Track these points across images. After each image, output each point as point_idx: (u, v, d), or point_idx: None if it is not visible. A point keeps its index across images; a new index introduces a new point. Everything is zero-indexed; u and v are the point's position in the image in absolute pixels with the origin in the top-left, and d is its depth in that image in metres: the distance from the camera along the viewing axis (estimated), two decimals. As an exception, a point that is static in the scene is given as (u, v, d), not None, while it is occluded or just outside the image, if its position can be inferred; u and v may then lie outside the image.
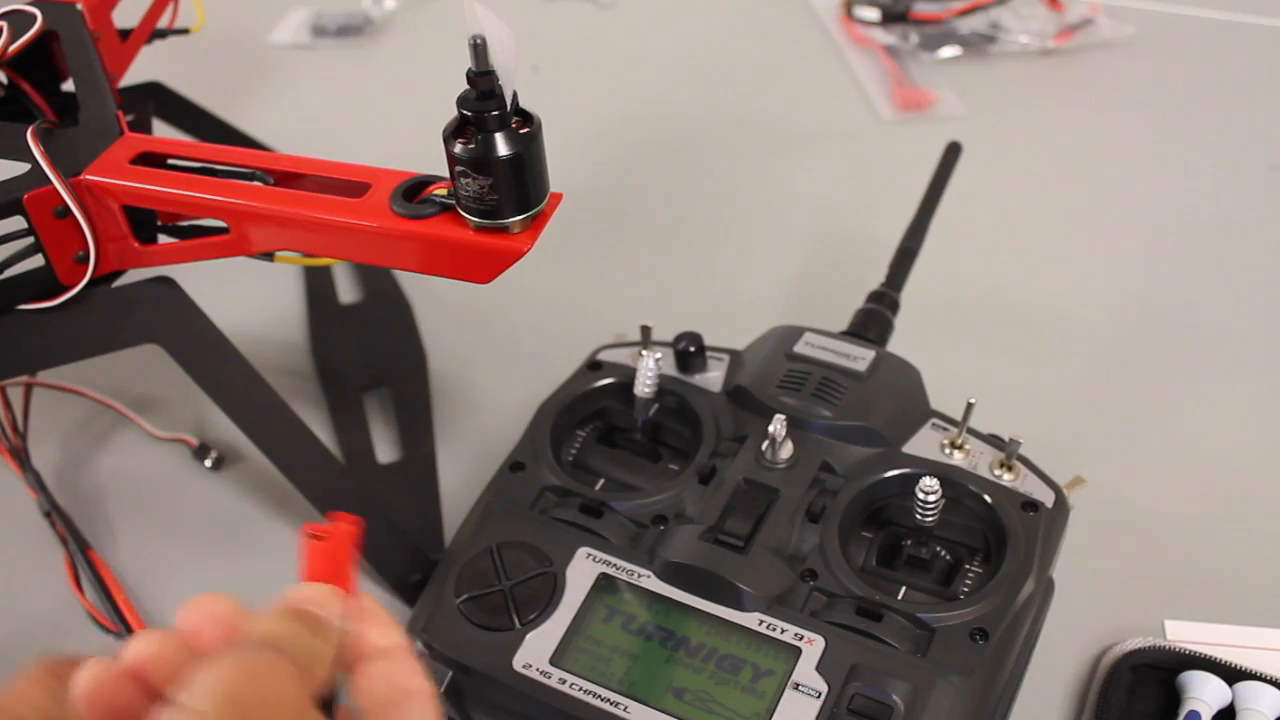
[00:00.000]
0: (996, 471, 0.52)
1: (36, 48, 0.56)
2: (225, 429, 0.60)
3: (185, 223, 0.51)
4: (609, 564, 0.50)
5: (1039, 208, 0.82)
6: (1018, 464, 0.52)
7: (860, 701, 0.44)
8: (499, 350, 0.72)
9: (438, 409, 0.68)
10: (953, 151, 0.67)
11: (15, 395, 0.63)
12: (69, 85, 0.57)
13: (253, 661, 0.30)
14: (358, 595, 0.36)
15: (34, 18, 0.56)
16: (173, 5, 0.66)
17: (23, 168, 0.47)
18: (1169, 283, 0.75)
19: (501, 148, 0.40)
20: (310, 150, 0.51)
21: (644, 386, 0.55)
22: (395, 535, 0.57)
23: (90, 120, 0.51)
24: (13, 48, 0.54)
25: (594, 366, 0.58)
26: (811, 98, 0.95)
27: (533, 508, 0.52)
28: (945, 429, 0.54)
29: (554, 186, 0.43)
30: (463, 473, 0.63)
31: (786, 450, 0.52)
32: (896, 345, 0.59)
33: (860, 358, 0.55)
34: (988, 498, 0.51)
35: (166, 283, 0.51)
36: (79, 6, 0.57)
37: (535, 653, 0.47)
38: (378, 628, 0.35)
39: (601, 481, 0.55)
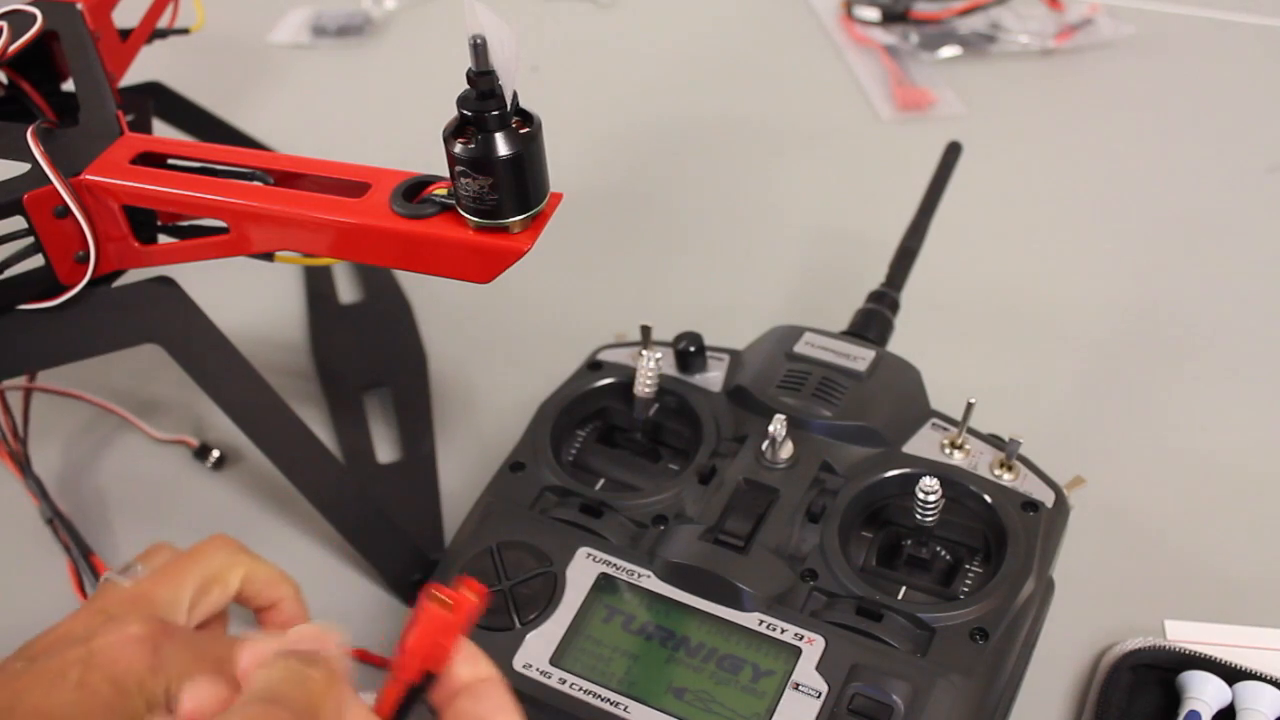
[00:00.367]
0: (996, 471, 0.52)
1: (36, 48, 0.56)
2: (226, 429, 0.60)
3: (185, 223, 0.51)
4: (609, 564, 0.50)
5: (1039, 208, 0.82)
6: (1018, 464, 0.52)
7: (860, 701, 0.45)
8: (499, 350, 0.72)
9: (438, 409, 0.68)
10: (953, 151, 0.67)
11: (15, 400, 0.62)
12: (69, 85, 0.57)
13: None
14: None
15: (34, 18, 0.56)
16: (173, 5, 0.66)
17: (23, 168, 0.47)
18: (1169, 282, 0.75)
19: (501, 148, 0.40)
20: (310, 150, 0.51)
21: (644, 386, 0.55)
22: (395, 535, 0.57)
23: (90, 120, 0.51)
24: (13, 48, 0.54)
25: (594, 366, 0.58)
26: (811, 98, 0.95)
27: (533, 508, 0.52)
28: (945, 429, 0.54)
29: (554, 186, 0.43)
30: (463, 473, 0.63)
31: (786, 450, 0.52)
32: (896, 345, 0.59)
33: (860, 358, 0.55)
34: (988, 498, 0.51)
35: (166, 283, 0.51)
36: (79, 6, 0.57)
37: (535, 653, 0.47)
38: (466, 663, 0.37)
39: (601, 481, 0.55)
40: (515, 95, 0.40)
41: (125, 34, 0.63)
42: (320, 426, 0.66)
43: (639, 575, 0.49)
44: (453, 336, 0.73)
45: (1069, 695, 0.53)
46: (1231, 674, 0.50)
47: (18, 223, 0.47)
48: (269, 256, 0.50)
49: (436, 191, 0.44)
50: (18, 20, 0.56)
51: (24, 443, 0.62)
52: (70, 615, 0.44)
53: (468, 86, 0.40)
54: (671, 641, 0.47)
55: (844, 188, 0.85)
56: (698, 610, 0.48)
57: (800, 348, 0.56)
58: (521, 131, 0.40)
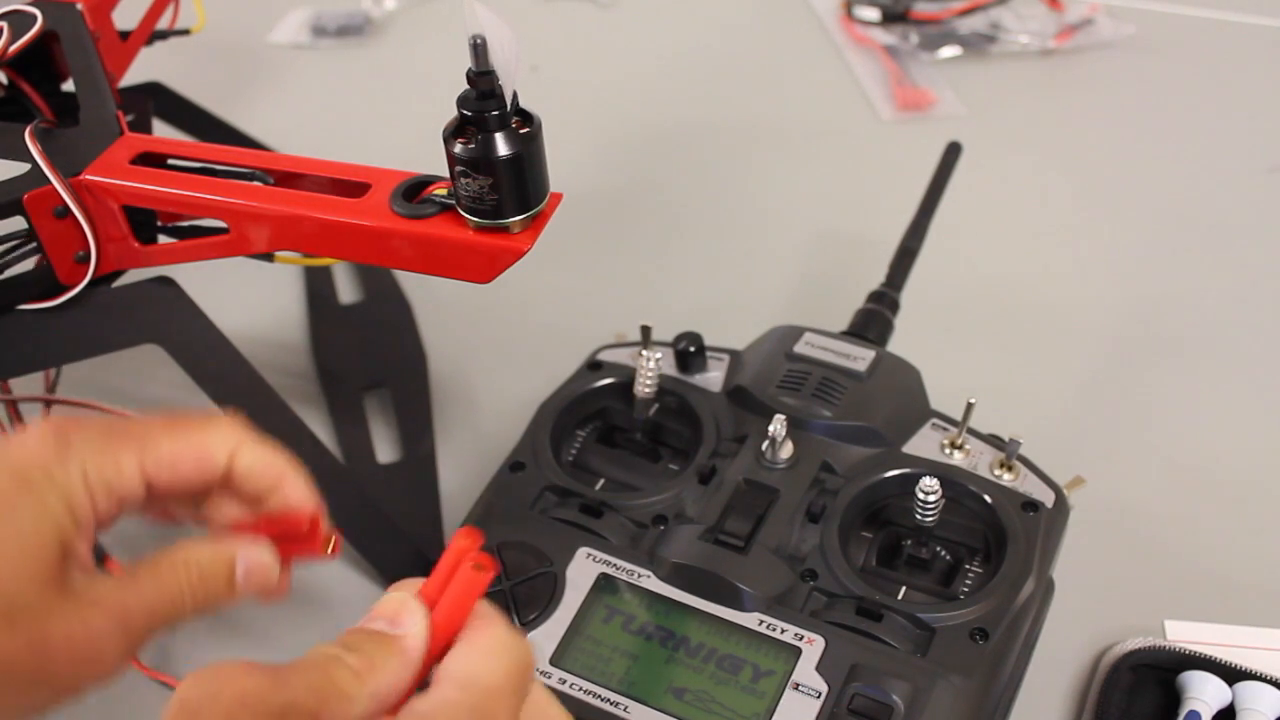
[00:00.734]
0: (996, 471, 0.52)
1: (36, 48, 0.56)
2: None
3: (185, 223, 0.51)
4: (609, 564, 0.50)
5: (1039, 208, 0.82)
6: (1018, 464, 0.52)
7: (860, 702, 0.45)
8: (499, 350, 0.72)
9: (438, 409, 0.68)
10: (953, 151, 0.67)
11: (33, 411, 0.62)
12: (69, 85, 0.57)
13: None
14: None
15: (34, 18, 0.56)
16: (173, 6, 0.66)
17: (23, 168, 0.47)
18: (1169, 282, 0.75)
19: (501, 148, 0.40)
20: (310, 150, 0.51)
21: (644, 386, 0.55)
22: (395, 535, 0.57)
23: (90, 120, 0.51)
24: (13, 48, 0.54)
25: (594, 366, 0.58)
26: (811, 98, 0.95)
27: (533, 508, 0.52)
28: (945, 429, 0.54)
29: (554, 186, 0.43)
30: (463, 473, 0.63)
31: (786, 450, 0.52)
32: (896, 345, 0.59)
33: (860, 358, 0.55)
34: (988, 498, 0.51)
35: (166, 283, 0.51)
36: (79, 6, 0.57)
37: (535, 652, 0.47)
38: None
39: (601, 481, 0.55)
40: (515, 95, 0.40)
41: (125, 35, 0.63)
42: (320, 426, 0.66)
43: (639, 575, 0.49)
44: (453, 336, 0.73)
45: (1069, 695, 0.53)
46: (1231, 674, 0.50)
47: (18, 223, 0.47)
48: (269, 256, 0.50)
49: (436, 191, 0.44)
50: (18, 20, 0.56)
51: None
52: None
53: (468, 86, 0.40)
54: (671, 641, 0.47)
55: (844, 188, 0.85)
56: (698, 610, 0.48)
57: (800, 348, 0.56)
58: (521, 131, 0.40)
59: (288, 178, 0.48)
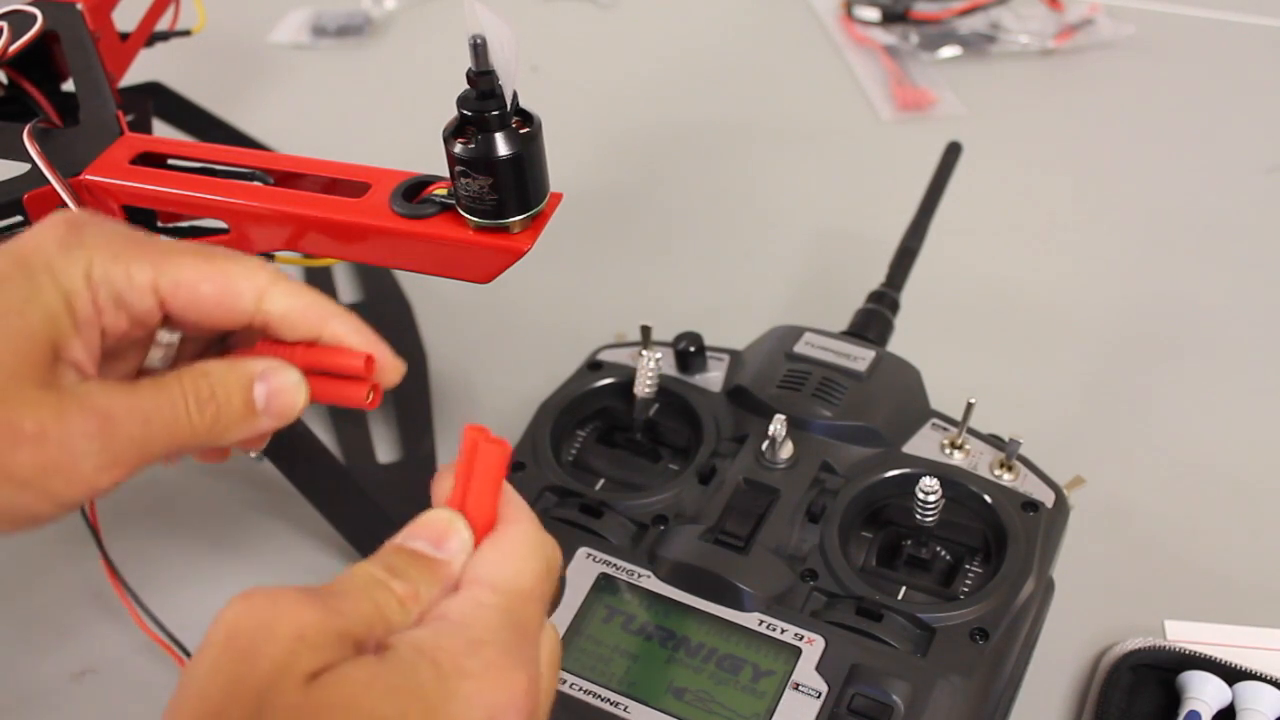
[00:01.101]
0: (996, 471, 0.52)
1: (37, 48, 0.56)
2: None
3: (185, 223, 0.51)
4: (609, 564, 0.50)
5: (1039, 208, 0.82)
6: (1018, 464, 0.52)
7: (860, 702, 0.44)
8: (499, 350, 0.72)
9: (438, 409, 0.68)
10: (953, 151, 0.67)
11: None
12: (69, 85, 0.57)
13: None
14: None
15: (34, 18, 0.56)
16: (174, 7, 0.66)
17: (23, 168, 0.47)
18: (1169, 282, 0.75)
19: (501, 148, 0.40)
20: (310, 150, 0.51)
21: (644, 386, 0.55)
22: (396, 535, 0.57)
23: (90, 120, 0.51)
24: (13, 48, 0.54)
25: (594, 366, 0.58)
26: (811, 98, 0.95)
27: (533, 508, 0.52)
28: (945, 429, 0.54)
29: (554, 186, 0.43)
30: (463, 473, 0.63)
31: (786, 450, 0.52)
32: (896, 345, 0.59)
33: (860, 358, 0.55)
34: (988, 498, 0.51)
35: (166, 283, 0.51)
36: (79, 6, 0.57)
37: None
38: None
39: (601, 481, 0.55)
40: (515, 95, 0.40)
41: (125, 37, 0.63)
42: (320, 426, 0.66)
43: (639, 575, 0.49)
44: (453, 336, 0.73)
45: (1069, 695, 0.53)
46: (1231, 674, 0.50)
47: (18, 223, 0.47)
48: (269, 257, 0.50)
49: (436, 191, 0.44)
50: (18, 20, 0.56)
51: None
52: None
53: (468, 86, 0.40)
54: (671, 641, 0.47)
55: (844, 188, 0.85)
56: (698, 610, 0.48)
57: (800, 348, 0.56)
58: (521, 131, 0.40)
59: (288, 178, 0.48)
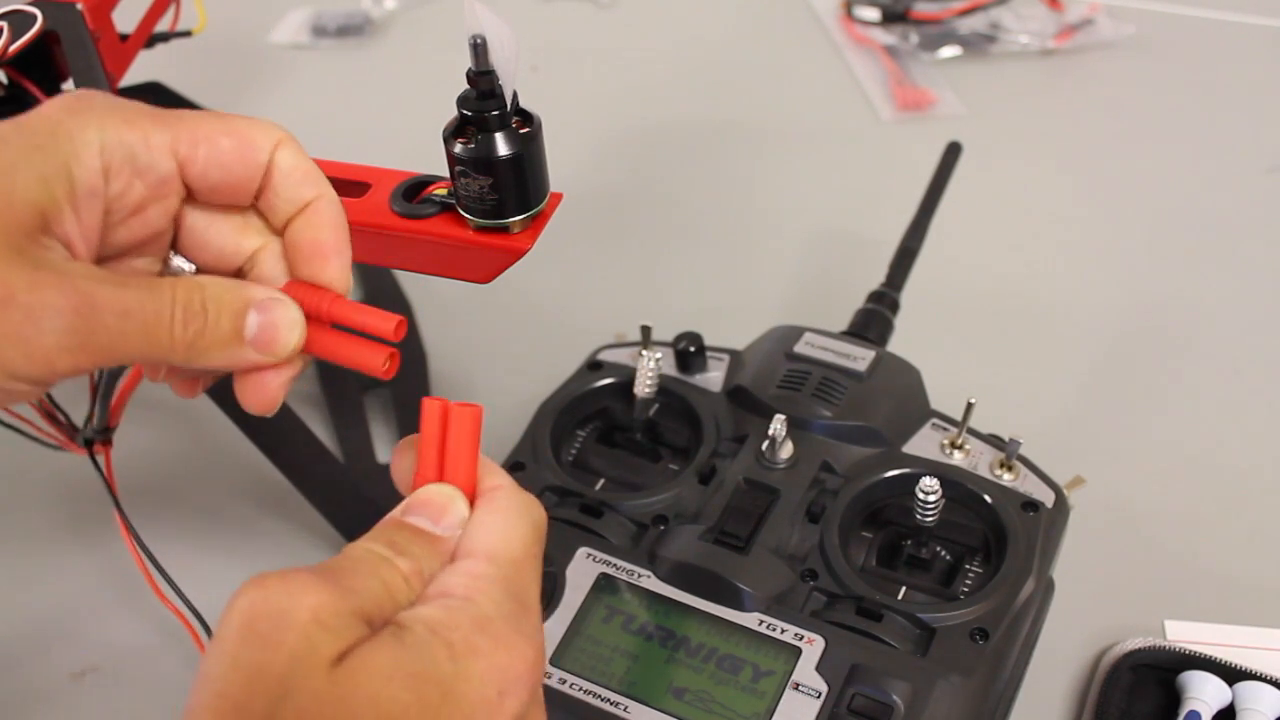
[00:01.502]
0: (996, 471, 0.52)
1: (37, 48, 0.55)
2: (224, 428, 0.60)
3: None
4: (609, 564, 0.50)
5: (1039, 208, 0.82)
6: (1018, 464, 0.52)
7: (860, 702, 0.44)
8: (499, 350, 0.72)
9: (438, 409, 0.68)
10: (953, 151, 0.67)
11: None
12: (70, 85, 0.57)
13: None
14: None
15: (34, 18, 0.55)
16: (174, 7, 0.66)
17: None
18: (1169, 282, 0.75)
19: (501, 147, 0.40)
20: (310, 150, 0.51)
21: (644, 386, 0.55)
22: (395, 535, 0.57)
23: (90, 120, 0.51)
24: (13, 48, 0.54)
25: (594, 366, 0.58)
26: (811, 98, 0.95)
27: (533, 508, 0.52)
28: (945, 429, 0.54)
29: (554, 186, 0.43)
30: (463, 473, 0.63)
31: (786, 450, 0.52)
32: (896, 345, 0.59)
33: (860, 358, 0.55)
34: (988, 498, 0.51)
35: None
36: (79, 6, 0.57)
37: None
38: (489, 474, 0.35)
39: (601, 481, 0.55)
40: (515, 95, 0.40)
41: (125, 38, 0.63)
42: (320, 426, 0.66)
43: (639, 575, 0.49)
44: (453, 336, 0.73)
45: (1069, 695, 0.53)
46: (1231, 674, 0.50)
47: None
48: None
49: (436, 191, 0.44)
50: (18, 20, 0.56)
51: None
52: None
53: (468, 86, 0.40)
54: (671, 641, 0.47)
55: (844, 188, 0.85)
56: (698, 610, 0.48)
57: (800, 348, 0.56)
58: (521, 131, 0.40)
59: (288, 178, 0.48)
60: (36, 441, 0.55)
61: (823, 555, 0.49)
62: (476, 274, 0.44)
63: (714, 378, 0.57)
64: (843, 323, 0.60)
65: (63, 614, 0.59)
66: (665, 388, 0.56)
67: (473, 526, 0.33)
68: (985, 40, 0.98)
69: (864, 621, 0.47)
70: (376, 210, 0.44)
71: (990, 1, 0.98)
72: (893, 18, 0.99)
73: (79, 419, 0.55)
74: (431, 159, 0.44)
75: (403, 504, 0.34)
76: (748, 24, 1.04)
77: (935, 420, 0.54)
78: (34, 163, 0.31)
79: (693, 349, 0.56)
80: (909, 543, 0.51)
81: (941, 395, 0.56)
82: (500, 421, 0.65)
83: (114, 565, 0.60)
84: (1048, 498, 0.51)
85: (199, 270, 0.36)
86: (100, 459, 0.54)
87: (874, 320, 0.60)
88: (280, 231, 0.36)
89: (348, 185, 0.46)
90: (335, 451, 0.64)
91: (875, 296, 0.61)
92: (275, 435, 0.55)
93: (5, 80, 0.56)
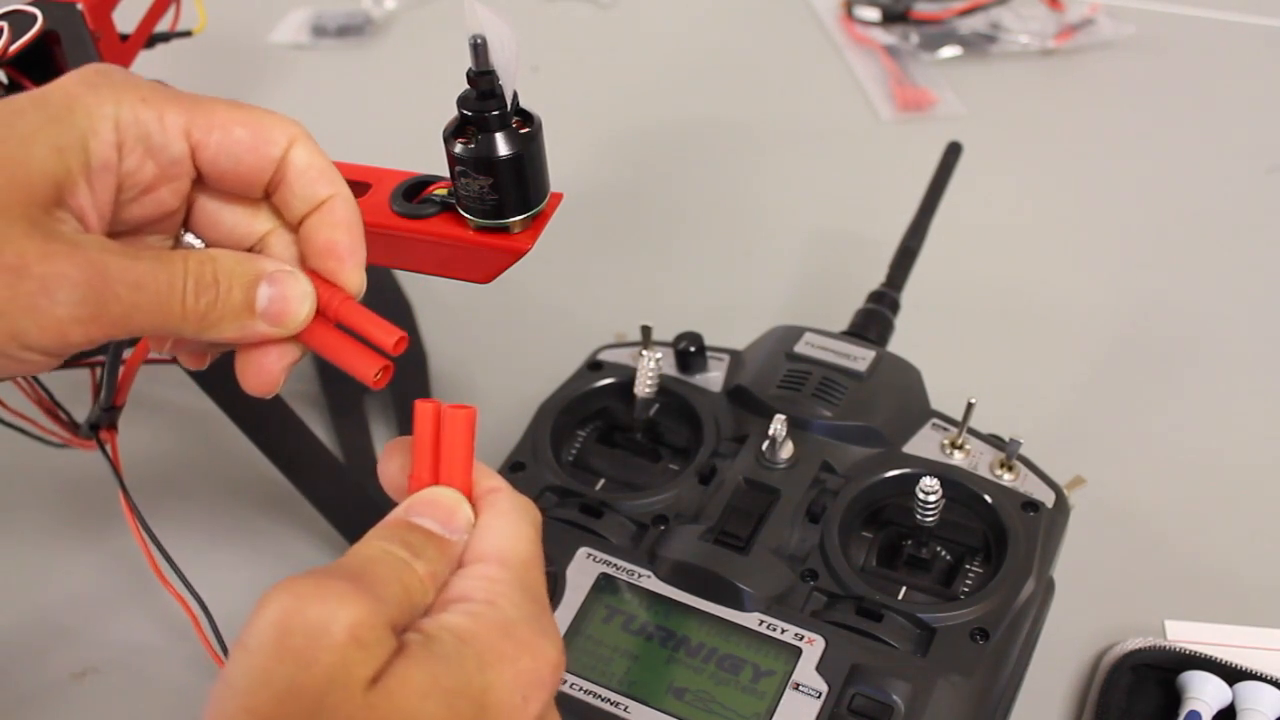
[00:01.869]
0: (997, 471, 0.52)
1: (37, 48, 0.55)
2: (224, 427, 0.60)
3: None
4: (609, 564, 0.50)
5: (1039, 207, 0.82)
6: (1018, 464, 0.52)
7: (860, 702, 0.44)
8: (499, 350, 0.72)
9: (438, 409, 0.68)
10: (953, 151, 0.67)
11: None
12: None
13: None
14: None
15: (34, 18, 0.55)
16: (174, 7, 0.66)
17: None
18: (1169, 282, 0.75)
19: (502, 147, 0.40)
20: (310, 150, 0.51)
21: (644, 386, 0.55)
22: (395, 535, 0.57)
23: (90, 120, 0.51)
24: (13, 48, 0.54)
25: (594, 366, 0.58)
26: (811, 98, 0.95)
27: (533, 508, 0.52)
28: (945, 429, 0.54)
29: (554, 186, 0.43)
30: (463, 473, 0.63)
31: (787, 450, 0.52)
32: (896, 345, 0.59)
33: (860, 358, 0.55)
34: (988, 498, 0.51)
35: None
36: (79, 6, 0.57)
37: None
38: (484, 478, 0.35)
39: (602, 481, 0.55)
40: (515, 95, 0.40)
41: (125, 37, 0.63)
42: (320, 426, 0.66)
43: (639, 575, 0.49)
44: (453, 336, 0.73)
45: (1069, 695, 0.53)
46: (1231, 674, 0.50)
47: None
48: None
49: (436, 191, 0.44)
50: (18, 20, 0.56)
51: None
52: None
53: (468, 86, 0.39)
54: (672, 641, 0.47)
55: (844, 188, 0.85)
56: (698, 610, 0.48)
57: (800, 348, 0.56)
58: (522, 131, 0.40)
59: (288, 178, 0.48)
60: (39, 440, 0.55)
61: (823, 555, 0.49)
62: (476, 274, 0.43)
63: (714, 378, 0.57)
64: (843, 323, 0.60)
65: (63, 614, 0.59)
66: (665, 388, 0.56)
67: (480, 531, 0.33)
68: (985, 40, 0.98)
69: (864, 621, 0.47)
70: (376, 210, 0.44)
71: (990, 1, 0.98)
72: (893, 18, 0.99)
73: (79, 417, 0.55)
74: (431, 159, 0.44)
75: (406, 504, 0.33)
76: (748, 24, 1.04)
77: (935, 420, 0.54)
78: (50, 135, 0.31)
79: (693, 349, 0.56)
80: (909, 543, 0.51)
81: (941, 395, 0.56)
82: (500, 421, 0.65)
83: (114, 565, 0.60)
84: (1048, 498, 0.51)
85: (209, 247, 0.36)
86: (107, 447, 0.54)
87: (874, 320, 0.60)
88: (295, 228, 0.36)
89: (348, 185, 0.46)
90: (335, 451, 0.64)
91: (875, 296, 0.61)
92: (275, 435, 0.55)
93: (5, 80, 0.56)
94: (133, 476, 0.65)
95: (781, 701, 0.45)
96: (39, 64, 0.57)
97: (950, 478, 0.51)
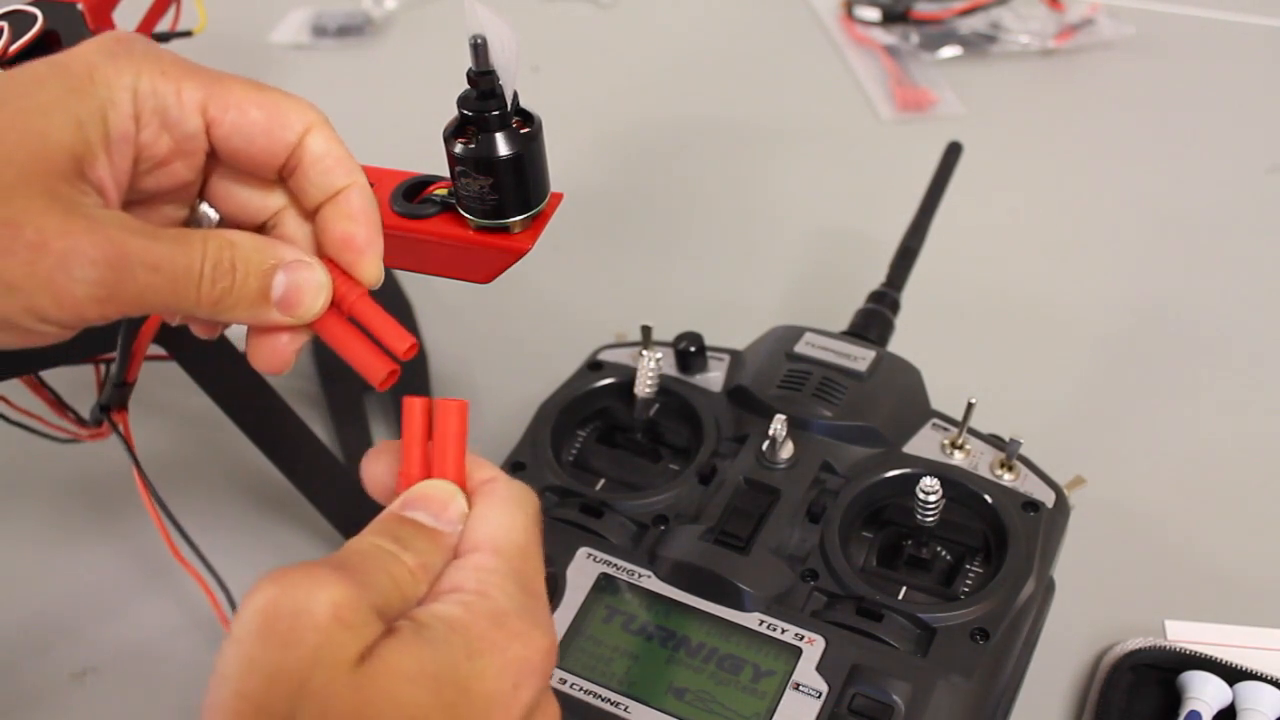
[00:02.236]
0: (997, 471, 0.52)
1: (37, 48, 0.55)
2: (224, 426, 0.60)
3: (185, 223, 0.50)
4: (609, 564, 0.50)
5: (1039, 208, 0.82)
6: (1018, 464, 0.52)
7: (861, 702, 0.44)
8: (499, 350, 0.72)
9: (438, 409, 0.68)
10: (953, 151, 0.67)
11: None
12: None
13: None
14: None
15: (34, 18, 0.55)
16: (174, 7, 0.66)
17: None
18: (1169, 282, 0.75)
19: (502, 147, 0.40)
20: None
21: (644, 386, 0.55)
22: (395, 535, 0.57)
23: (90, 120, 0.51)
24: (13, 48, 0.54)
25: (594, 366, 0.58)
26: (811, 98, 0.95)
27: (533, 508, 0.52)
28: (946, 429, 0.54)
29: (554, 186, 0.43)
30: (463, 473, 0.63)
31: (787, 450, 0.52)
32: (897, 345, 0.59)
33: (860, 358, 0.55)
34: (988, 498, 0.51)
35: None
36: (79, 6, 0.57)
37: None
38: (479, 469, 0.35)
39: (602, 481, 0.55)
40: (515, 95, 0.40)
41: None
42: (320, 426, 0.66)
43: (639, 575, 0.49)
44: (453, 336, 0.73)
45: (1069, 695, 0.53)
46: (1232, 674, 0.50)
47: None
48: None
49: (436, 191, 0.44)
50: (18, 20, 0.56)
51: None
52: None
53: (468, 86, 0.40)
54: (672, 641, 0.47)
55: (844, 188, 0.85)
56: (698, 610, 0.48)
57: (800, 348, 0.56)
58: (522, 131, 0.40)
59: (288, 178, 0.48)
60: (46, 437, 0.55)
61: (823, 555, 0.49)
62: (476, 274, 0.44)
63: (714, 378, 0.57)
64: (843, 323, 0.60)
65: (63, 613, 0.59)
66: (666, 388, 0.56)
67: (474, 521, 0.33)
68: (985, 40, 0.98)
69: (864, 621, 0.47)
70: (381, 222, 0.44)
71: (990, 1, 0.98)
72: (893, 18, 0.99)
73: (84, 416, 0.55)
74: (431, 159, 0.44)
75: (400, 499, 0.33)
76: (748, 24, 1.04)
77: (936, 420, 0.54)
78: (70, 107, 0.31)
79: (693, 349, 0.56)
80: (909, 543, 0.51)
81: (941, 395, 0.56)
82: (500, 421, 0.65)
83: (114, 565, 0.60)
84: (1048, 498, 0.51)
85: (223, 219, 0.36)
86: (119, 426, 0.53)
87: (874, 320, 0.60)
88: (310, 216, 0.36)
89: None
90: (335, 451, 0.64)
91: (876, 296, 0.61)
92: (275, 435, 0.55)
93: (5, 80, 0.56)
94: (132, 477, 0.65)
95: (782, 701, 0.45)
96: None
97: (950, 478, 0.51)
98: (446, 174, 0.42)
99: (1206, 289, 0.74)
